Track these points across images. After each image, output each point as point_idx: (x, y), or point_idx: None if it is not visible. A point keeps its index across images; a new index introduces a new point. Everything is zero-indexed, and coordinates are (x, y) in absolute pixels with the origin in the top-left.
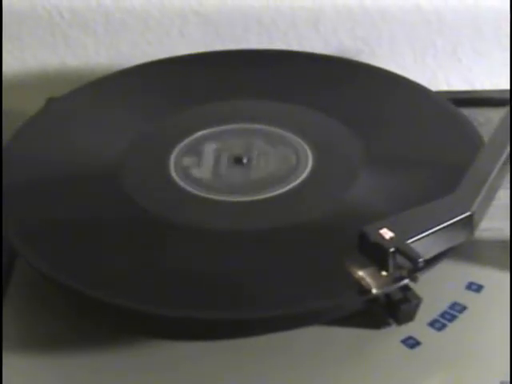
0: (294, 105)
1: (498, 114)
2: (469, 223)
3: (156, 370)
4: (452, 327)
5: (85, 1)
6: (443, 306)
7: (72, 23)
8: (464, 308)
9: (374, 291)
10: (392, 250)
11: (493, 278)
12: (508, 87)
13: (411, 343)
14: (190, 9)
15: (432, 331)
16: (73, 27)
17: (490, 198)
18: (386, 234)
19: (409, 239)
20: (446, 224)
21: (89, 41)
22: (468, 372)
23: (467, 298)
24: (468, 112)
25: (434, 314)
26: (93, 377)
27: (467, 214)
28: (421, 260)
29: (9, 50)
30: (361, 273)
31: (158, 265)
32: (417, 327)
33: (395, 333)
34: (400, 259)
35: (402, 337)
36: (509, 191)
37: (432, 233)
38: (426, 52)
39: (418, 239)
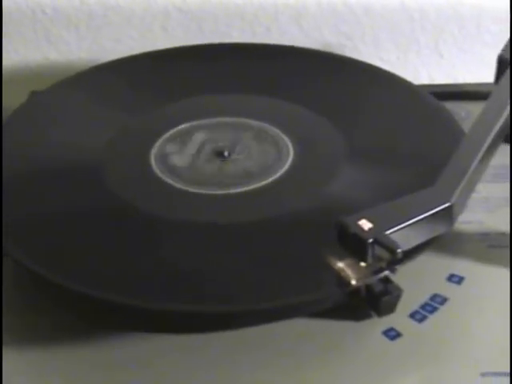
0: (277, 99)
1: (479, 108)
2: (448, 214)
3: (143, 364)
4: (433, 319)
5: None
6: (424, 297)
7: (54, 19)
8: (445, 300)
9: (354, 283)
10: (370, 240)
11: (473, 269)
12: (489, 81)
13: (392, 335)
14: (173, 5)
15: (413, 323)
16: (55, 23)
17: (469, 190)
18: (365, 224)
19: (388, 230)
20: (425, 215)
21: (71, 37)
22: (449, 363)
23: (448, 289)
24: (450, 106)
25: (415, 305)
26: (79, 370)
27: (447, 205)
28: (400, 251)
29: None
30: (340, 264)
31: (134, 257)
32: (398, 319)
33: (376, 324)
34: (379, 250)
35: (383, 328)
36: (488, 184)
37: (411, 224)
38: (409, 48)
39: (397, 230)
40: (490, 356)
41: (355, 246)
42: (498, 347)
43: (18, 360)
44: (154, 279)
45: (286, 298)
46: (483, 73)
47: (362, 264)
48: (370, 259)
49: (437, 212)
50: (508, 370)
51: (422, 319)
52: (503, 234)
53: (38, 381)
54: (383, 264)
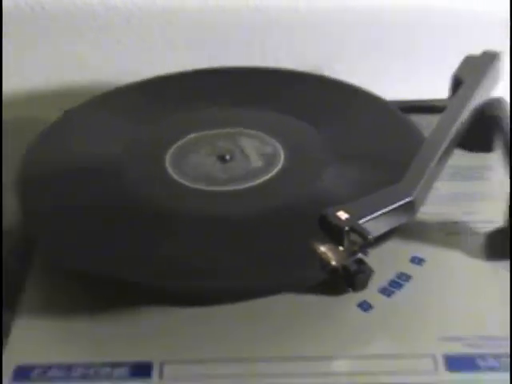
0: (271, 112)
1: (436, 119)
2: (410, 207)
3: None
4: (398, 293)
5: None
6: (391, 275)
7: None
8: (409, 277)
9: (333, 263)
10: (347, 228)
11: (432, 252)
12: (444, 97)
13: (365, 307)
14: None
15: (382, 297)
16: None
17: (428, 186)
18: (343, 215)
19: (361, 220)
20: (391, 207)
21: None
22: (412, 329)
23: (411, 269)
24: (414, 117)
25: (384, 282)
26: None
27: (409, 199)
28: (371, 237)
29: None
30: (322, 248)
31: (154, 245)
32: (370, 294)
33: (352, 298)
34: (354, 236)
35: (358, 301)
36: (445, 182)
37: (380, 215)
38: (379, 70)
39: (369, 220)
40: (447, 324)
41: (334, 233)
42: (453, 317)
43: (33, 331)
44: (164, 261)
45: (277, 276)
46: (440, 88)
47: (340, 248)
48: (346, 244)
49: (401, 205)
50: (460, 334)
51: (390, 294)
52: (456, 222)
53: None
54: (357, 248)
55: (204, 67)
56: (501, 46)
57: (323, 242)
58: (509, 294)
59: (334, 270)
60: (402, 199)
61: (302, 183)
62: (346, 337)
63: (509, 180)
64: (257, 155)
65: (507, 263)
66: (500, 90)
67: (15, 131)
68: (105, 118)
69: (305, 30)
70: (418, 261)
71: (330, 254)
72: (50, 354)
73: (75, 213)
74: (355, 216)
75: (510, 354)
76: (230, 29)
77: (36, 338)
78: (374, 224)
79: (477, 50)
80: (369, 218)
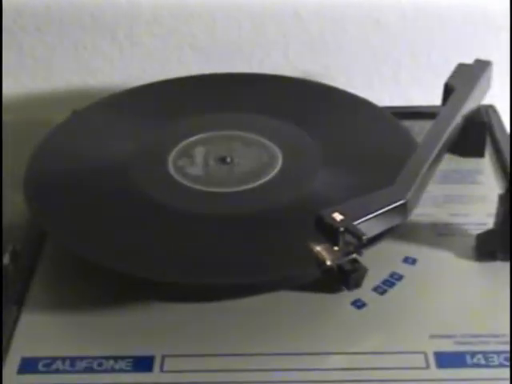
0: (268, 117)
1: (429, 125)
2: (403, 209)
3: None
4: (391, 292)
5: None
6: (384, 275)
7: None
8: (401, 277)
9: (328, 263)
10: (342, 229)
11: (424, 253)
12: (437, 104)
13: (359, 305)
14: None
15: (375, 295)
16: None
17: (421, 189)
18: (338, 216)
19: (356, 221)
20: (385, 209)
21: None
22: (404, 327)
23: (404, 269)
24: (407, 123)
25: (377, 281)
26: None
27: (402, 201)
28: (365, 237)
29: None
30: (318, 248)
31: (157, 240)
32: (363, 292)
33: (346, 296)
34: (348, 237)
35: (352, 299)
36: (437, 185)
37: (374, 216)
38: (373, 78)
39: (363, 221)
40: (438, 322)
41: (329, 233)
42: (444, 315)
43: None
44: (164, 256)
45: (276, 273)
46: (433, 96)
47: (335, 248)
48: (341, 244)
49: (394, 207)
50: (451, 332)
51: (383, 292)
52: (448, 224)
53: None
54: (352, 248)
55: (209, 72)
56: (498, 53)
57: (319, 242)
58: (497, 293)
59: (329, 268)
60: (396, 201)
61: (299, 185)
62: (340, 334)
63: (499, 184)
64: (255, 158)
65: (495, 264)
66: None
67: (15, 132)
68: (110, 120)
69: (300, 35)
70: (410, 261)
71: (325, 254)
72: (55, 347)
73: (81, 210)
74: (350, 217)
75: (499, 351)
76: (229, 34)
77: (42, 332)
78: (368, 225)
79: (471, 58)
80: (363, 219)
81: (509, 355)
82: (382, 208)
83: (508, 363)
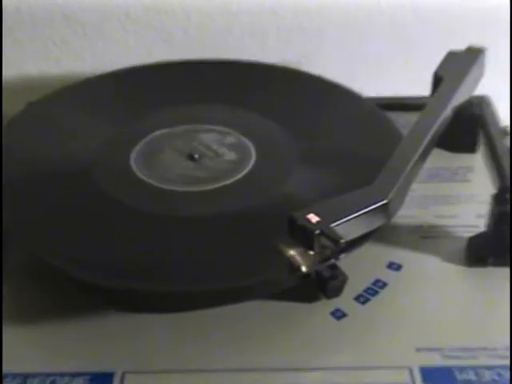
0: (241, 109)
1: (415, 117)
2: (385, 210)
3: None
4: (374, 301)
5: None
6: (367, 282)
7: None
8: (385, 284)
9: (303, 269)
10: (317, 232)
11: (410, 258)
12: (424, 94)
13: (339, 315)
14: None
15: (357, 304)
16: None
17: (405, 189)
18: (313, 218)
19: (333, 223)
20: (365, 210)
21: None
22: (388, 340)
23: (388, 275)
24: (392, 115)
25: (359, 289)
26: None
27: (383, 202)
28: (342, 241)
29: None
30: (292, 252)
31: (117, 244)
32: (344, 301)
33: (325, 306)
34: (325, 241)
35: (331, 309)
36: (422, 184)
37: (353, 218)
38: (357, 66)
39: (341, 223)
40: (424, 333)
41: (304, 236)
42: (431, 326)
43: (18, 334)
44: (129, 264)
45: (244, 280)
46: (419, 85)
47: (311, 252)
48: (317, 248)
49: (375, 208)
50: (438, 345)
51: (364, 301)
52: (434, 226)
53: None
54: (329, 252)
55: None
56: (492, 41)
57: (292, 246)
58: (489, 302)
59: (306, 275)
60: (377, 202)
61: (272, 183)
62: (317, 347)
63: (491, 183)
64: (226, 154)
65: (487, 270)
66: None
67: None
68: (68, 113)
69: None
70: (394, 266)
71: (299, 259)
72: (5, 364)
73: (39, 213)
74: (326, 219)
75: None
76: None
77: None
78: (346, 227)
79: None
80: (341, 221)
81: (501, 370)
82: (361, 209)
83: (498, 378)
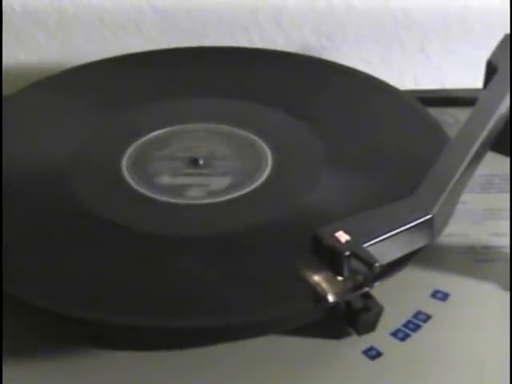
0: (256, 104)
1: (467, 114)
2: (429, 227)
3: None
4: (416, 337)
5: None
6: (407, 315)
7: (24, 18)
8: (429, 317)
9: (330, 298)
10: (347, 253)
11: (459, 285)
12: (477, 85)
13: (372, 354)
14: (148, 4)
15: (394, 341)
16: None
17: (452, 201)
18: (342, 236)
19: (365, 243)
20: (405, 227)
21: (41, 37)
22: (431, 382)
23: (432, 306)
24: (437, 112)
25: (397, 323)
26: None
27: (428, 216)
28: (377, 265)
29: None
30: (316, 278)
31: (101, 267)
32: (378, 337)
33: (356, 343)
34: (356, 264)
35: (363, 347)
36: (475, 195)
37: (390, 236)
38: (393, 49)
39: (375, 243)
40: (472, 376)
41: (331, 259)
42: (481, 367)
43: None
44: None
45: (258, 313)
46: (470, 75)
47: (339, 278)
48: (346, 273)
49: (417, 224)
50: None
51: (404, 337)
52: (489, 246)
53: None
54: (361, 278)
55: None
56: None
57: (317, 270)
58: None
59: (333, 306)
60: (419, 216)
61: (293, 194)
62: None
63: None
64: (239, 159)
65: None
66: None
67: None
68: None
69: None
70: (440, 296)
71: (325, 286)
72: None
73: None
74: (358, 238)
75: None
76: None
77: None
78: (381, 248)
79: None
80: (375, 240)
81: None
82: (399, 226)
83: None
